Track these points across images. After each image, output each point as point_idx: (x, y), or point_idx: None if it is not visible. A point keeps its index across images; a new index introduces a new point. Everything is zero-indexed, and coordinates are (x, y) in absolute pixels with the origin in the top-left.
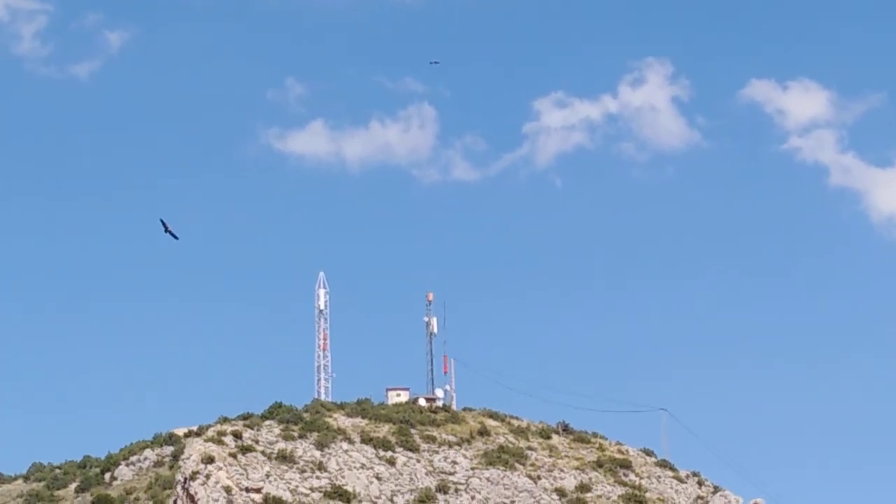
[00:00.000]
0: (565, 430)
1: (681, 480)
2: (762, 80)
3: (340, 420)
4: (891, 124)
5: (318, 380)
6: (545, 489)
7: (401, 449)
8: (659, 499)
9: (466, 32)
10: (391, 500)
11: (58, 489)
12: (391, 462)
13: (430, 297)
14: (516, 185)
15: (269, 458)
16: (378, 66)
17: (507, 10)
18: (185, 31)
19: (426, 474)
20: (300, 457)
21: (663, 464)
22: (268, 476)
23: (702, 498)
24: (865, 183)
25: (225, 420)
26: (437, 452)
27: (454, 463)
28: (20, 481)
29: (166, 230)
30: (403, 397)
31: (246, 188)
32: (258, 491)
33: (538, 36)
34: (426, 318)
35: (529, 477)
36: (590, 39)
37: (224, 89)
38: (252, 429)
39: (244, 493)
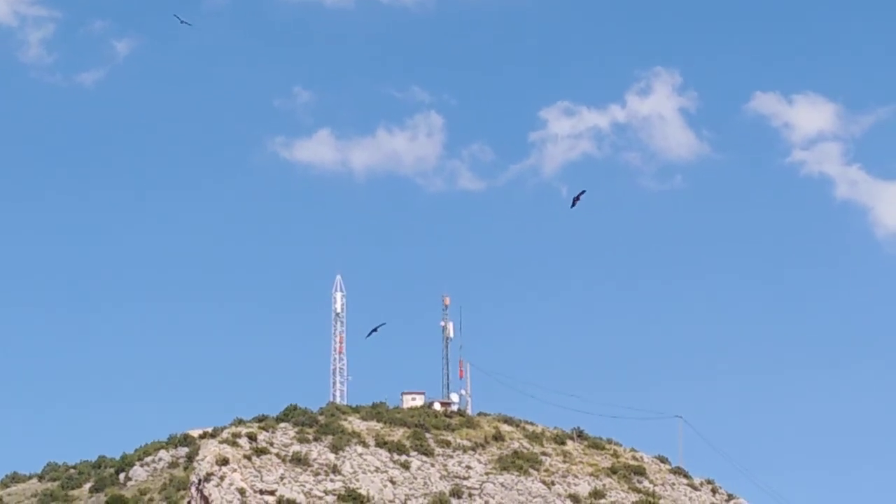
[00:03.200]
0: (580, 436)
1: (695, 488)
2: (767, 93)
3: (355, 423)
4: None
5: (334, 383)
6: (559, 495)
7: (415, 453)
8: None
9: (473, 41)
10: None
11: (72, 489)
12: (405, 466)
13: (447, 301)
14: (523, 194)
15: (284, 461)
16: (385, 75)
17: (515, 18)
18: (192, 39)
19: (440, 478)
20: (314, 459)
21: (677, 471)
22: (282, 478)
23: None
24: (871, 196)
25: (240, 422)
26: (451, 457)
27: (468, 467)
28: (35, 480)
29: (181, 21)
30: (419, 401)
31: (255, 195)
32: (272, 493)
33: (545, 44)
34: (442, 323)
35: (543, 482)
36: (597, 48)
37: (231, 98)
38: (267, 431)
39: (258, 495)
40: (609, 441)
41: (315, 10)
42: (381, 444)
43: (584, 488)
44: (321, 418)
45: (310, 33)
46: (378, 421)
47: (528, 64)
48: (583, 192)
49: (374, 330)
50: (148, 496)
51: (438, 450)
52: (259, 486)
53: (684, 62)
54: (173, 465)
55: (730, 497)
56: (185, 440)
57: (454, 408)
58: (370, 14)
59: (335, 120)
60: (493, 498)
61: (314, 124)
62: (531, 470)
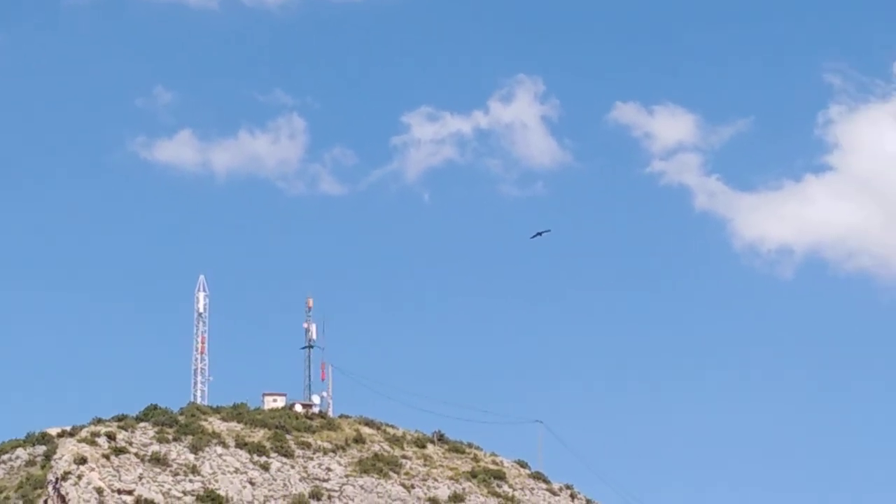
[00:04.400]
0: (440, 439)
1: (554, 493)
2: (628, 103)
3: (216, 424)
4: (757, 149)
5: (195, 383)
6: (419, 498)
7: (275, 454)
8: None
9: (337, 44)
10: None
11: None
12: (265, 467)
13: (310, 303)
14: (385, 199)
15: (143, 461)
16: (248, 77)
17: (377, 22)
18: (52, 37)
19: (300, 480)
20: (174, 460)
21: (537, 476)
22: (140, 478)
23: None
24: (729, 207)
25: (99, 421)
26: (311, 459)
27: (328, 469)
28: None
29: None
30: (280, 403)
31: (115, 194)
32: (130, 493)
33: (409, 49)
34: (305, 325)
35: (403, 486)
36: (461, 54)
37: (91, 96)
38: (126, 430)
39: (116, 494)
40: (469, 445)
41: (179, 10)
42: (242, 445)
43: (443, 492)
44: (181, 418)
45: (173, 33)
46: (238, 422)
47: (392, 68)
48: (547, 230)
49: (539, 234)
50: (4, 494)
51: (299, 451)
52: (117, 485)
53: (547, 70)
54: (30, 463)
55: (588, 502)
56: (43, 438)
57: (315, 410)
58: (234, 15)
59: (197, 121)
60: (353, 500)
61: (176, 125)
62: (391, 473)
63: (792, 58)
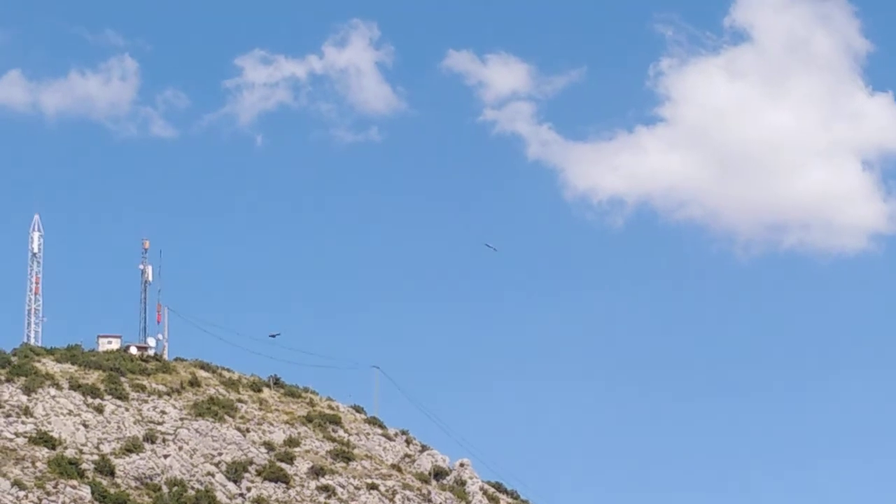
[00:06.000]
0: (276, 384)
1: (389, 438)
2: (461, 51)
3: (49, 365)
4: (589, 99)
5: (29, 324)
6: (254, 442)
7: (109, 397)
8: (366, 455)
9: None
10: (98, 448)
11: None
12: (99, 410)
13: (147, 244)
14: (218, 143)
15: None
16: (78, 17)
17: None
18: None
19: (134, 423)
20: (6, 401)
21: (373, 421)
22: None
23: (409, 456)
24: (562, 157)
25: None
26: (146, 402)
27: (163, 413)
28: None
29: None
30: (115, 345)
31: None
32: None
33: None
34: (141, 266)
35: (238, 429)
36: None
37: None
38: None
39: None
40: (305, 390)
41: None
42: (75, 387)
43: (278, 436)
44: (14, 359)
45: None
46: (73, 363)
47: (225, 10)
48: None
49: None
50: None
51: (133, 394)
52: None
53: (382, 15)
54: None
55: (424, 448)
56: None
57: (151, 352)
58: None
59: (26, 61)
60: (188, 444)
61: (4, 65)
62: (226, 416)
63: (624, 9)
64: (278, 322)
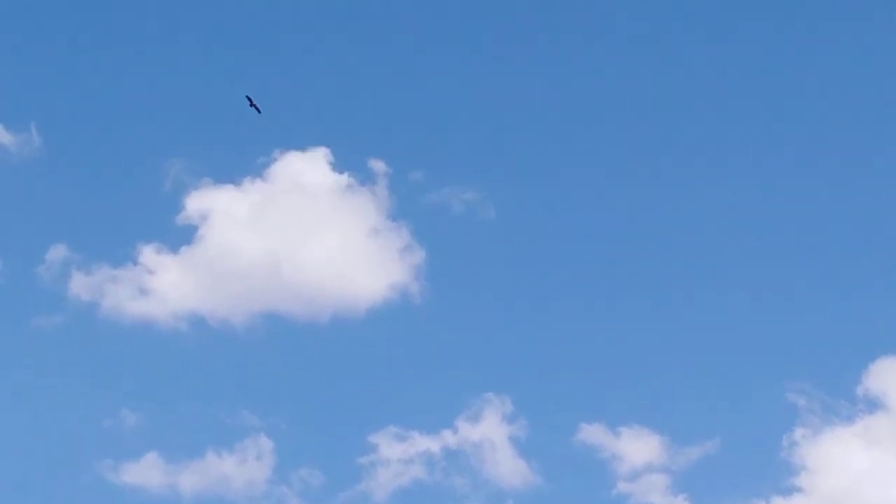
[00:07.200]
0: None
1: None
2: (593, 424)
3: None
4: (723, 470)
5: None
6: None
7: None
8: None
9: (303, 365)
10: None
11: None
12: None
13: None
14: None
15: None
16: (215, 399)
17: (344, 342)
18: (18, 360)
19: None
20: None
21: None
22: None
23: None
24: None
25: None
26: None
27: None
28: None
29: (251, 104)
30: None
31: None
32: None
33: (374, 369)
34: None
35: None
36: (428, 372)
37: (59, 418)
38: None
39: None
40: None
41: (145, 330)
42: None
43: None
44: None
45: (139, 354)
46: None
47: (358, 388)
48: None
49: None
50: None
51: None
52: None
53: (515, 390)
54: None
55: None
56: None
57: None
58: (200, 335)
59: (163, 443)
60: None
61: (142, 447)
62: None
63: (757, 379)
64: None
